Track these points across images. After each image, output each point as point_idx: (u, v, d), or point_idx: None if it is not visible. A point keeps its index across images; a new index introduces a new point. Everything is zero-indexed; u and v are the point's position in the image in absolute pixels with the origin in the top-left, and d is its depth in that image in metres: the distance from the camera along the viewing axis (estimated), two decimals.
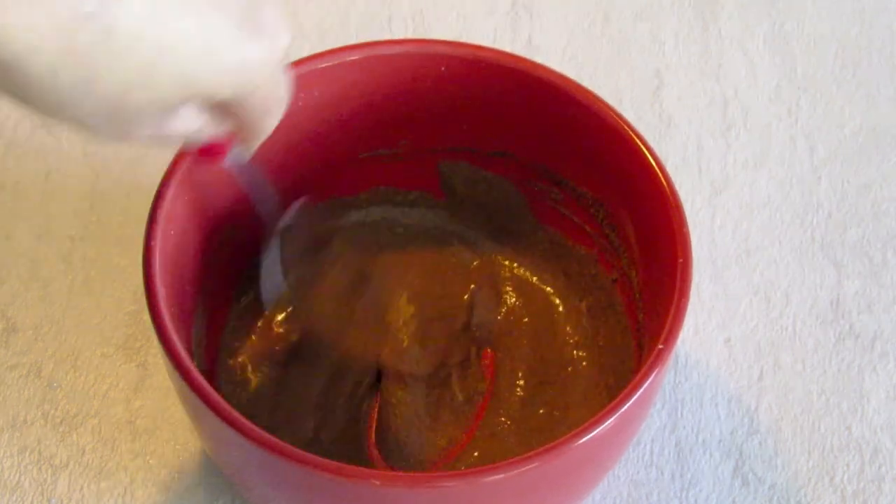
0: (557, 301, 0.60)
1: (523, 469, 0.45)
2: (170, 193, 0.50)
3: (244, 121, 0.42)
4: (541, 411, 0.56)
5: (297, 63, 0.54)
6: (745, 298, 0.63)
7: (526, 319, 0.59)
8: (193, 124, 0.41)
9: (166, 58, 0.36)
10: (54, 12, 0.33)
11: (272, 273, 0.55)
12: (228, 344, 0.57)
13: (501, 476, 0.45)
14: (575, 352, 0.58)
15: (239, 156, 0.49)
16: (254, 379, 0.56)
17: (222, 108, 0.41)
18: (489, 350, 0.58)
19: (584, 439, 0.45)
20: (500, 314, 0.59)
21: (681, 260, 0.49)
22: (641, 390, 0.46)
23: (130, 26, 0.35)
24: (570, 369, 0.58)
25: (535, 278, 0.60)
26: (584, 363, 0.58)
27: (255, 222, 0.56)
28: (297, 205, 0.56)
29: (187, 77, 0.37)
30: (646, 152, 0.53)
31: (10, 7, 0.33)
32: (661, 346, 0.47)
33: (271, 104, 0.43)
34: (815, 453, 0.58)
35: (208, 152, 0.47)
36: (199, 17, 0.37)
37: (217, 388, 0.50)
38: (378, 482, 0.44)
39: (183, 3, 0.36)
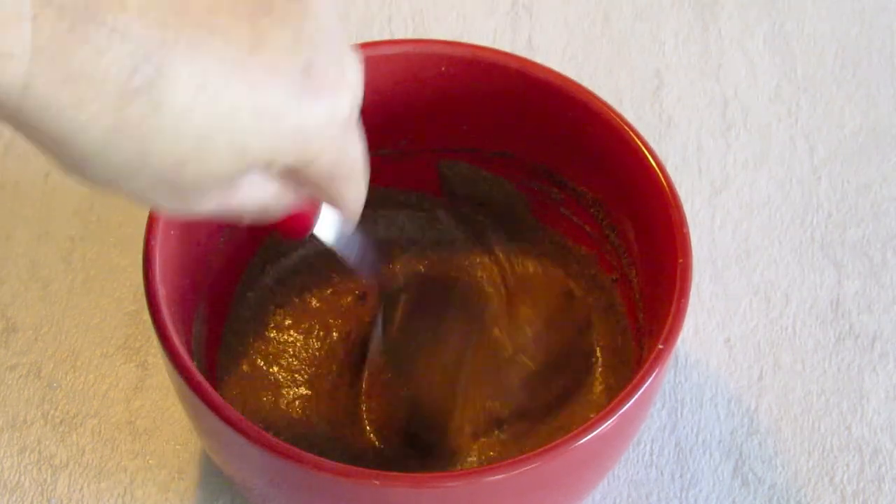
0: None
1: (523, 469, 0.45)
2: None
3: (320, 188, 0.41)
4: None
5: None
6: (745, 298, 0.63)
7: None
8: (262, 194, 0.39)
9: (218, 129, 0.35)
10: (102, 89, 0.33)
11: (377, 336, 0.54)
12: (229, 344, 0.57)
13: (501, 476, 0.45)
14: None
15: (330, 230, 0.46)
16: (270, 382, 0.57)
17: (294, 177, 0.39)
18: None
19: (584, 439, 0.45)
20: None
21: (681, 260, 0.49)
22: (641, 390, 0.46)
23: (179, 99, 0.34)
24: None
25: (534, 278, 0.60)
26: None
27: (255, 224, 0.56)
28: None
29: (241, 146, 0.36)
30: (646, 152, 0.53)
31: (58, 84, 0.32)
32: (661, 346, 0.47)
33: (344, 168, 0.40)
34: (815, 453, 0.58)
35: (290, 225, 0.44)
36: (251, 83, 0.35)
37: (217, 389, 0.50)
38: (378, 482, 0.44)
39: (233, 69, 0.35)
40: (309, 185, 0.40)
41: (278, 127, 0.36)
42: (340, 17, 0.74)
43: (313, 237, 0.46)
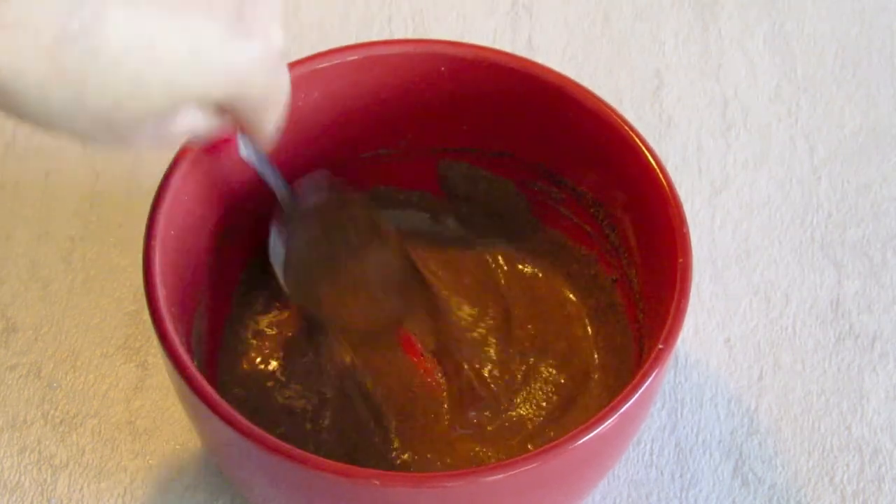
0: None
1: (523, 469, 0.45)
2: (170, 194, 0.50)
3: (245, 117, 0.42)
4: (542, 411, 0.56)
5: (297, 63, 0.54)
6: (745, 298, 0.63)
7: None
8: (192, 124, 0.41)
9: (154, 68, 0.36)
10: (38, 35, 0.34)
11: (277, 253, 0.56)
12: (229, 344, 0.57)
13: (501, 476, 0.45)
14: None
15: (247, 147, 0.50)
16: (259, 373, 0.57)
17: (222, 107, 0.41)
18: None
19: (584, 439, 0.45)
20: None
21: (681, 260, 0.49)
22: (641, 390, 0.46)
23: (116, 41, 0.35)
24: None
25: (534, 278, 0.60)
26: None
27: (255, 223, 0.56)
28: (313, 181, 0.56)
29: (177, 84, 0.37)
30: (646, 152, 0.53)
31: None
32: (661, 346, 0.47)
33: (269, 101, 0.43)
34: (815, 453, 0.58)
35: (214, 148, 0.48)
36: (185, 24, 0.37)
37: (217, 388, 0.50)
38: (378, 482, 0.44)
39: (167, 11, 0.36)
40: (235, 113, 0.42)
41: (212, 67, 0.38)
42: (340, 17, 0.74)
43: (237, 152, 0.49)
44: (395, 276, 0.59)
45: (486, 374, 0.57)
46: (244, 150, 0.50)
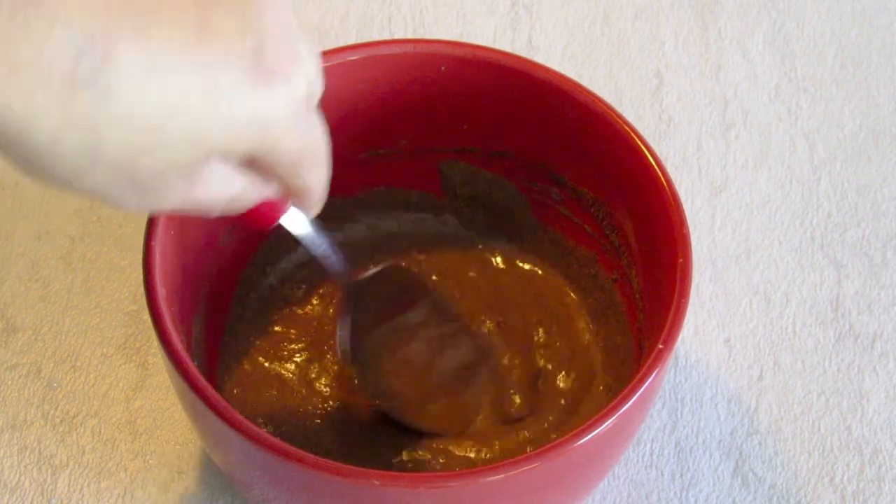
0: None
1: (523, 469, 0.45)
2: None
3: (283, 176, 0.40)
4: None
5: None
6: (745, 298, 0.63)
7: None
8: (229, 187, 0.38)
9: (170, 116, 0.34)
10: (48, 80, 0.32)
11: (344, 331, 0.54)
12: (229, 344, 0.57)
13: (501, 476, 0.45)
14: None
15: (298, 220, 0.47)
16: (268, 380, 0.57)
17: (257, 166, 0.39)
18: None
19: (584, 439, 0.45)
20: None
21: (681, 260, 0.49)
22: (641, 390, 0.46)
23: (128, 86, 0.33)
24: None
25: (534, 278, 0.60)
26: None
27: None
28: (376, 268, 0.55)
29: (196, 134, 0.35)
30: (646, 152, 0.53)
31: (2, 77, 0.32)
32: (661, 346, 0.47)
33: (305, 154, 0.40)
34: (815, 453, 0.58)
35: (255, 215, 0.43)
36: (201, 69, 0.35)
37: (217, 389, 0.50)
38: (378, 482, 0.44)
39: (182, 55, 0.34)
40: (272, 174, 0.40)
41: (232, 113, 0.36)
42: (340, 17, 0.74)
43: (280, 227, 0.46)
44: (469, 362, 0.57)
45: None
46: (286, 220, 0.46)
